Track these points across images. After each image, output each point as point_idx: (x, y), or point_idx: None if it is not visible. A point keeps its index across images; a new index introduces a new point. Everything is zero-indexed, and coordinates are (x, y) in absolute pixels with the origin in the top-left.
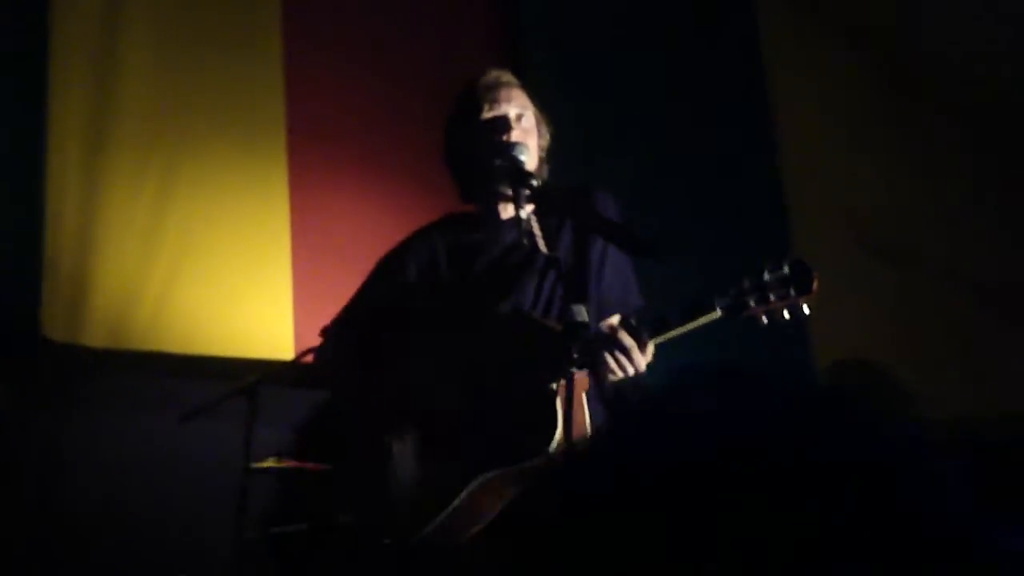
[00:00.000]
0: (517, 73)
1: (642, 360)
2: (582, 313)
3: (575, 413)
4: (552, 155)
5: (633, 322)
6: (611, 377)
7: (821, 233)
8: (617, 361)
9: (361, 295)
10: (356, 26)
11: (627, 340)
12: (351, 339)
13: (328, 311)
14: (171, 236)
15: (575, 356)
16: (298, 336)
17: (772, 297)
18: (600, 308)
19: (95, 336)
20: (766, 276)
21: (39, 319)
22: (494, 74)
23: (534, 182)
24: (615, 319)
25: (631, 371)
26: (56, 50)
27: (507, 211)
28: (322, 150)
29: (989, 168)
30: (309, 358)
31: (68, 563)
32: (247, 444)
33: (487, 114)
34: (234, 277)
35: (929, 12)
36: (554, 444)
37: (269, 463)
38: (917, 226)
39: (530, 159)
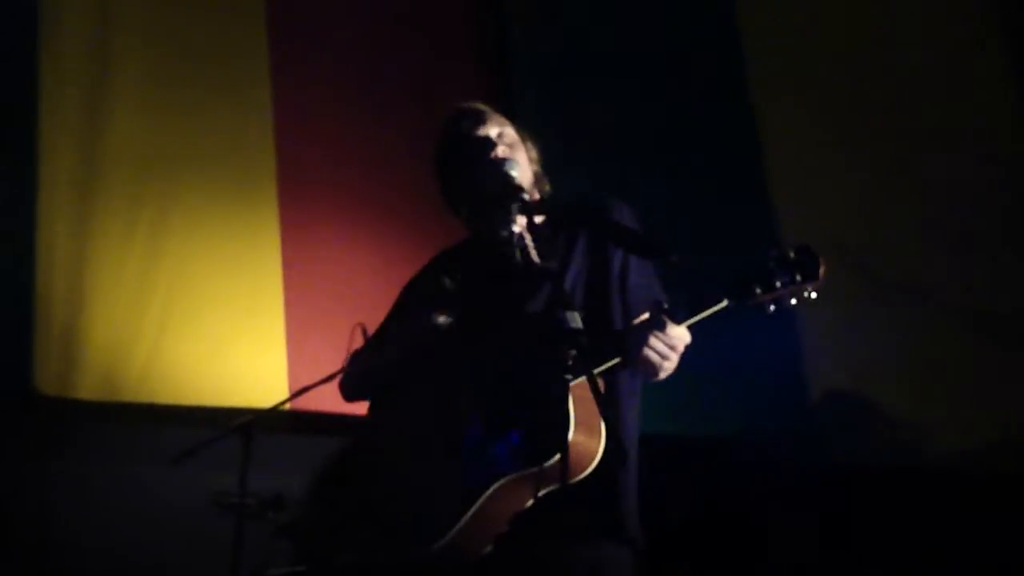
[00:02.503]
0: (507, 105)
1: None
2: (576, 320)
3: (587, 414)
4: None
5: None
6: (655, 369)
7: None
8: (659, 352)
9: (387, 323)
10: (346, 71)
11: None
12: (363, 367)
13: (322, 357)
14: (162, 287)
15: (571, 363)
16: (292, 383)
17: (778, 284)
18: (628, 311)
19: (87, 389)
20: (771, 264)
21: (31, 373)
22: (465, 106)
23: (524, 196)
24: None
25: (674, 359)
26: (45, 101)
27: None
28: (313, 196)
29: (988, 193)
30: (299, 402)
31: None
32: (242, 485)
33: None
34: (226, 326)
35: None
36: (567, 446)
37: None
38: (913, 254)
39: (522, 173)
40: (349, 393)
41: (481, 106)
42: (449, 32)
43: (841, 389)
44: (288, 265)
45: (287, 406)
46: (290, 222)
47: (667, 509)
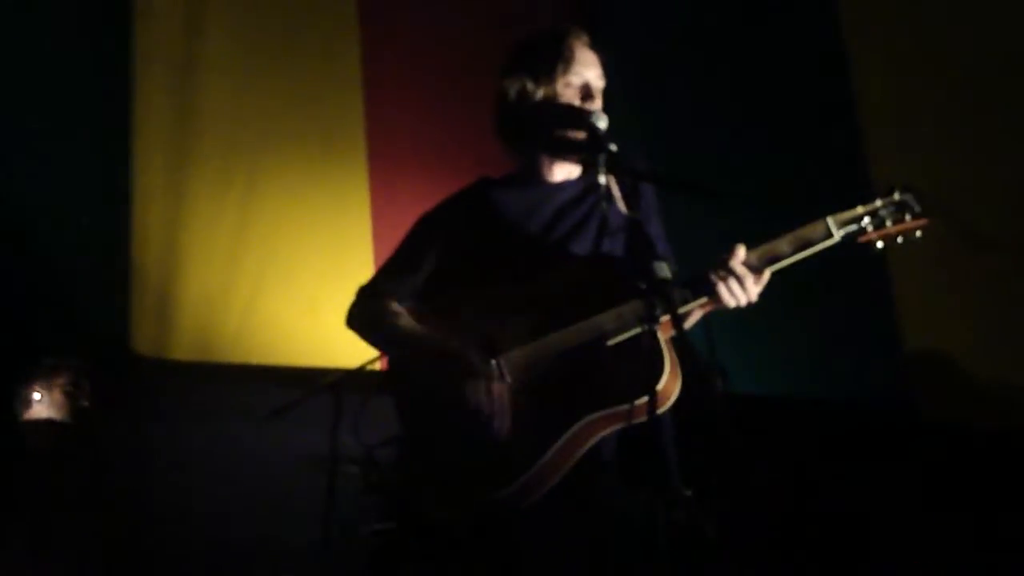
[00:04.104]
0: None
1: (755, 290)
2: (664, 270)
3: (672, 357)
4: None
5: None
6: (725, 305)
7: None
8: (730, 289)
9: (405, 255)
10: (434, 30)
11: (740, 269)
12: (396, 297)
13: None
14: (254, 249)
15: (658, 311)
16: None
17: (889, 223)
18: None
19: (182, 349)
20: (879, 202)
21: (129, 335)
22: (577, 33)
23: (612, 147)
24: (740, 248)
25: (743, 300)
26: (140, 67)
27: (559, 172)
28: (403, 157)
29: None
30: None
31: (161, 567)
32: (333, 443)
33: (573, 77)
34: (318, 287)
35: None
36: (660, 386)
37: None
38: (1013, 211)
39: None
40: (358, 329)
41: (588, 39)
42: None
43: (936, 350)
44: (378, 225)
45: (377, 365)
46: (380, 182)
47: (757, 470)
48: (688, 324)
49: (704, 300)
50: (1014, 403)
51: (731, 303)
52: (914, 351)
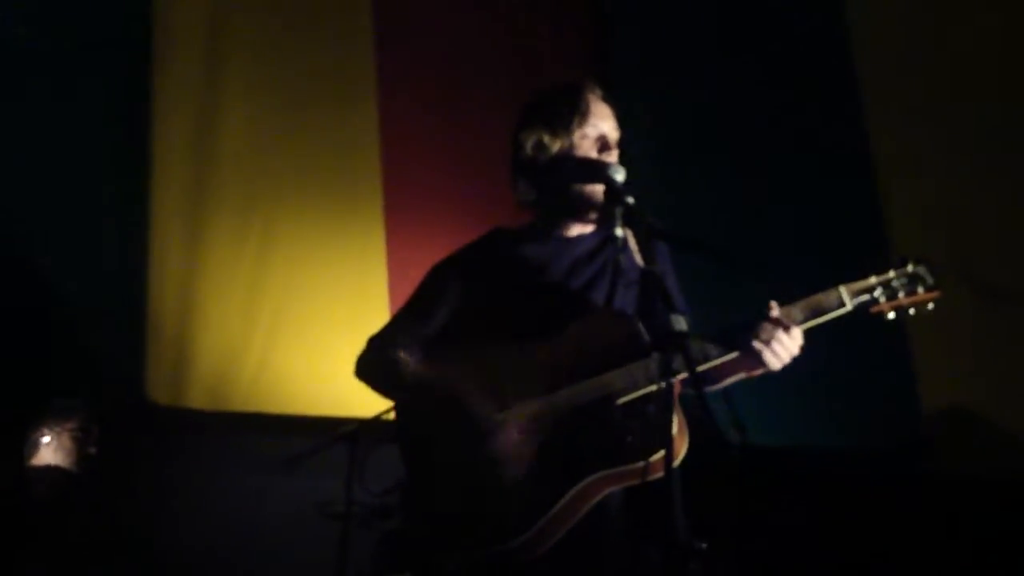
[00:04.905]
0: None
1: (795, 348)
2: (681, 323)
3: (680, 414)
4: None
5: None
6: (770, 367)
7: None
8: (775, 352)
9: (417, 305)
10: (451, 82)
11: (784, 323)
12: (403, 350)
13: None
14: (271, 299)
15: (675, 367)
16: None
17: (901, 294)
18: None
19: (198, 398)
20: (892, 273)
21: (145, 383)
22: (591, 86)
23: (630, 200)
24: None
25: (786, 360)
26: (158, 117)
27: (575, 225)
28: (420, 208)
29: None
30: None
31: None
32: (348, 492)
33: (589, 129)
34: (333, 337)
35: None
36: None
37: None
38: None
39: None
40: (366, 377)
41: (602, 91)
42: (553, 36)
43: (953, 402)
44: (394, 276)
45: (392, 415)
46: (396, 232)
47: (776, 521)
48: (724, 385)
49: (735, 355)
50: None
51: (774, 365)
52: (932, 403)
